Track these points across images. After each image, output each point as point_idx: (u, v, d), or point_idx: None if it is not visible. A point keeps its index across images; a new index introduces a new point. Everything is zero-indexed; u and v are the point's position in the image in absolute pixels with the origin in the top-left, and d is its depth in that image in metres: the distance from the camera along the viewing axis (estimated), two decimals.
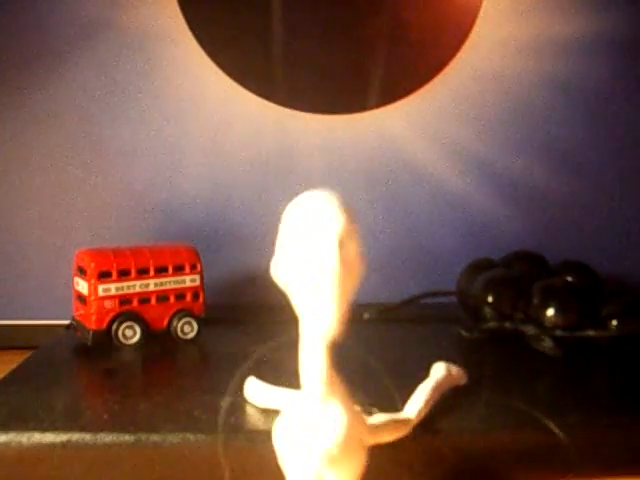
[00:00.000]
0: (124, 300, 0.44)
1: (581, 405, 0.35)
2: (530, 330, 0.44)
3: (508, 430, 0.32)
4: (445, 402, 0.35)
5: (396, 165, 0.57)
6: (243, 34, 0.55)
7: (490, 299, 0.45)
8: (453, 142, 0.57)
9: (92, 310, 0.44)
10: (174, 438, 0.31)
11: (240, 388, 0.36)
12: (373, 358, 0.39)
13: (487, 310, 0.46)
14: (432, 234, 0.57)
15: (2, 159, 0.55)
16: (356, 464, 0.25)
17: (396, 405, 0.32)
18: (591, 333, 0.43)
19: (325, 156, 0.56)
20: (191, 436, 0.31)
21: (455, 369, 0.37)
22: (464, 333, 0.46)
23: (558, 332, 0.43)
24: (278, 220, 0.60)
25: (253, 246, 0.57)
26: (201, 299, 0.47)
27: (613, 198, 0.58)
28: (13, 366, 0.41)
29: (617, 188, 0.58)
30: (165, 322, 0.46)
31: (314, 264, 0.23)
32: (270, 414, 0.33)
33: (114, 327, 0.44)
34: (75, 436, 0.31)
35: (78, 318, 0.46)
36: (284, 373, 0.30)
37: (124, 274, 0.44)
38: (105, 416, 0.33)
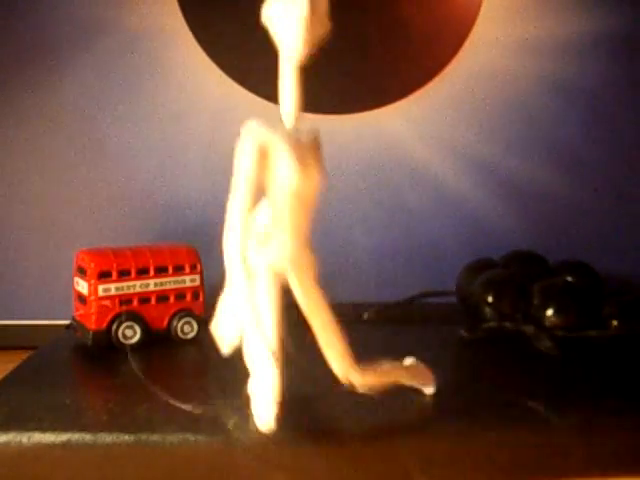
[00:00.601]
0: (124, 300, 0.44)
1: (581, 405, 0.35)
2: (530, 330, 0.44)
3: (508, 430, 0.32)
4: (445, 402, 0.35)
5: (396, 165, 0.57)
6: (243, 34, 0.55)
7: (490, 299, 0.45)
8: (453, 142, 0.57)
9: (92, 310, 0.43)
10: (174, 438, 0.31)
11: None
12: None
13: (487, 310, 0.46)
14: (432, 234, 0.57)
15: (2, 159, 0.55)
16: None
17: None
18: (591, 333, 0.43)
19: (325, 156, 0.56)
20: (191, 436, 0.31)
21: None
22: (464, 333, 0.46)
23: (558, 332, 0.43)
24: None
25: None
26: (201, 299, 0.47)
27: (613, 198, 0.58)
28: (13, 366, 0.41)
29: (617, 188, 0.58)
30: (165, 322, 0.46)
31: (290, 6, 0.30)
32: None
33: (114, 327, 0.44)
34: (75, 436, 0.31)
35: (78, 318, 0.46)
36: None
37: (124, 274, 0.44)
38: (105, 416, 0.33)
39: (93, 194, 0.56)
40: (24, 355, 0.43)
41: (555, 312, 0.43)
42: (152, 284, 0.45)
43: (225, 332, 0.33)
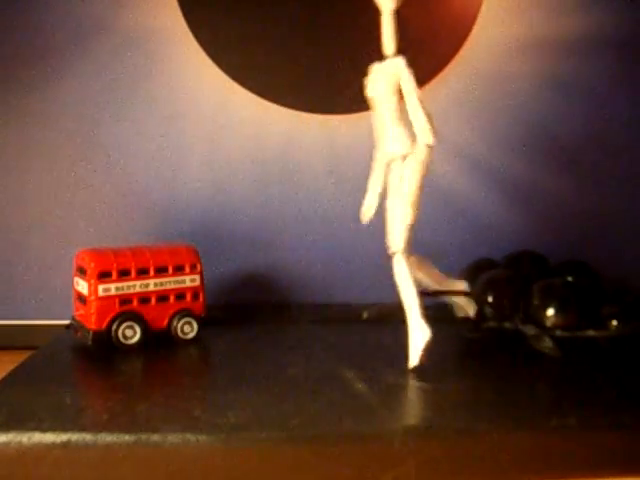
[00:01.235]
0: (124, 300, 0.44)
1: (581, 405, 0.35)
2: (530, 330, 0.44)
3: (508, 430, 0.32)
4: (445, 402, 0.35)
5: None
6: (243, 34, 0.55)
7: (490, 299, 0.45)
8: (453, 142, 0.57)
9: (92, 310, 0.44)
10: (174, 438, 0.31)
11: None
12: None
13: (487, 310, 0.46)
14: (432, 234, 0.57)
15: (2, 159, 0.55)
16: None
17: None
18: (591, 333, 0.43)
19: (325, 156, 0.56)
20: (191, 436, 0.31)
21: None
22: (464, 333, 0.47)
23: (558, 332, 0.43)
24: (278, 220, 0.60)
25: (253, 246, 0.57)
26: (201, 299, 0.47)
27: (613, 198, 0.58)
28: (13, 366, 0.41)
29: (617, 188, 0.58)
30: (165, 322, 0.46)
31: None
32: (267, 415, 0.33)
33: (114, 327, 0.44)
34: (75, 436, 0.31)
35: (78, 318, 0.46)
36: None
37: (124, 274, 0.44)
38: (105, 416, 0.33)
39: (93, 194, 0.56)
40: (24, 355, 0.43)
41: (555, 312, 0.43)
42: (152, 284, 0.45)
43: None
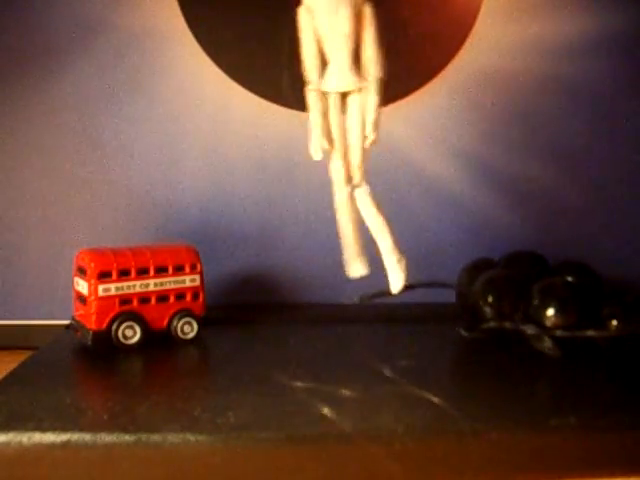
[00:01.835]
0: (124, 300, 0.44)
1: (581, 405, 0.35)
2: (530, 330, 0.44)
3: (508, 430, 0.32)
4: (444, 402, 0.35)
5: (395, 165, 0.57)
6: (243, 34, 0.55)
7: (490, 299, 0.45)
8: (453, 142, 0.57)
9: (92, 310, 0.44)
10: (174, 438, 0.31)
11: None
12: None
13: (487, 310, 0.46)
14: (431, 234, 0.57)
15: (2, 159, 0.55)
16: None
17: None
18: (591, 333, 0.43)
19: (325, 156, 0.56)
20: (191, 436, 0.31)
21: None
22: (464, 333, 0.47)
23: (558, 332, 0.43)
24: (278, 220, 0.60)
25: (253, 246, 0.57)
26: (201, 299, 0.47)
27: (613, 198, 0.58)
28: (13, 366, 0.41)
29: (617, 188, 0.58)
30: (165, 322, 0.46)
31: None
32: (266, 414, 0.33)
33: (114, 327, 0.44)
34: (75, 436, 0.31)
35: (78, 318, 0.46)
36: None
37: (124, 274, 0.44)
38: (105, 416, 0.33)
39: (93, 194, 0.56)
40: (24, 355, 0.43)
41: (555, 312, 0.43)
42: (152, 284, 0.45)
43: None
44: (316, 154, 0.41)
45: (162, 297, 0.46)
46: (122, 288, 0.44)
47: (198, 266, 0.47)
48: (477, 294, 0.46)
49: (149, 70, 0.55)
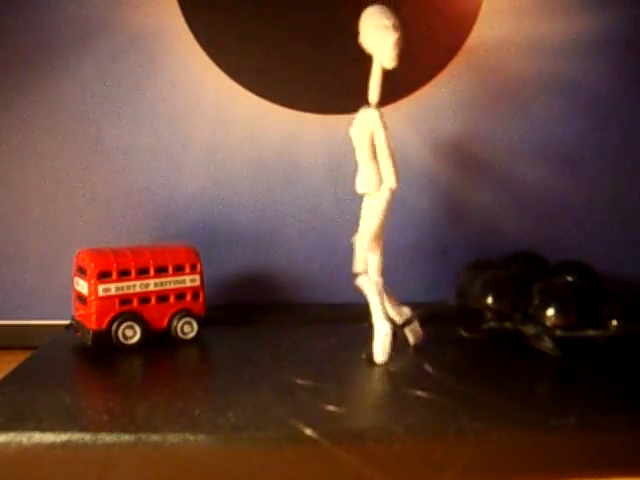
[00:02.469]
0: (124, 300, 0.44)
1: (581, 405, 0.35)
2: (530, 330, 0.44)
3: (508, 430, 0.32)
4: (444, 402, 0.35)
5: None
6: (243, 34, 0.55)
7: (490, 299, 0.45)
8: (453, 142, 0.57)
9: (92, 310, 0.44)
10: (174, 438, 0.31)
11: None
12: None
13: (487, 310, 0.46)
14: (431, 234, 0.57)
15: (2, 159, 0.55)
16: None
17: None
18: (591, 333, 0.43)
19: (325, 156, 0.56)
20: (191, 436, 0.31)
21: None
22: (464, 333, 0.47)
23: (558, 332, 0.43)
24: (278, 220, 0.60)
25: (253, 246, 0.57)
26: (201, 299, 0.47)
27: (613, 198, 0.58)
28: (13, 366, 0.41)
29: (617, 188, 0.58)
30: (165, 322, 0.46)
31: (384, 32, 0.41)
32: (267, 414, 0.33)
33: (114, 327, 0.44)
34: (75, 436, 0.31)
35: (78, 318, 0.46)
36: None
37: (124, 274, 0.44)
38: (105, 416, 0.33)
39: (93, 194, 0.56)
40: (24, 355, 0.43)
41: (555, 312, 0.43)
42: (152, 284, 0.45)
43: None
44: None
45: (162, 297, 0.46)
46: (122, 288, 0.44)
47: (198, 266, 0.47)
48: (477, 294, 0.46)
49: (149, 70, 0.55)
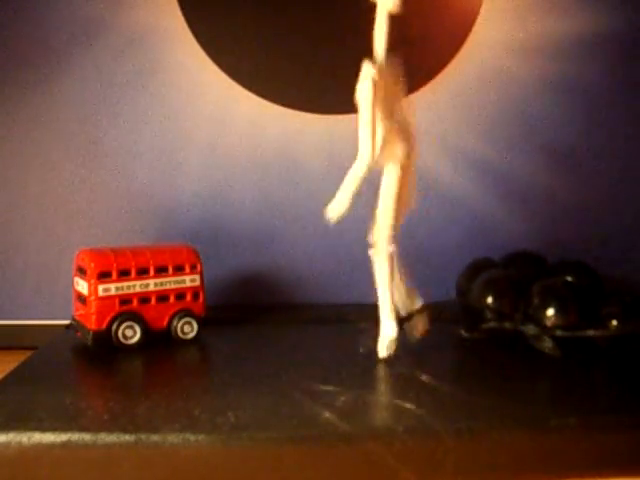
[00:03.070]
0: (124, 300, 0.44)
1: (581, 405, 0.35)
2: (530, 330, 0.44)
3: (508, 430, 0.32)
4: (444, 402, 0.35)
5: None
6: (243, 34, 0.55)
7: (490, 299, 0.45)
8: (453, 142, 0.57)
9: (92, 310, 0.44)
10: (174, 438, 0.31)
11: None
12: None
13: (487, 310, 0.46)
14: (432, 234, 0.57)
15: (2, 159, 0.55)
16: None
17: None
18: (591, 333, 0.43)
19: (325, 156, 0.56)
20: (191, 436, 0.31)
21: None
22: (464, 333, 0.47)
23: (558, 332, 0.43)
24: (278, 220, 0.60)
25: (253, 246, 0.57)
26: (201, 299, 0.47)
27: (613, 198, 0.58)
28: (13, 366, 0.41)
29: (617, 188, 0.58)
30: (165, 322, 0.46)
31: None
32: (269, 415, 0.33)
33: (114, 327, 0.44)
34: (75, 436, 0.31)
35: (78, 318, 0.46)
36: None
37: (124, 274, 0.44)
38: (105, 416, 0.33)
39: (93, 194, 0.56)
40: (24, 355, 0.43)
41: (555, 312, 0.43)
42: (152, 284, 0.45)
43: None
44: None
45: (162, 297, 0.46)
46: (122, 288, 0.44)
47: (198, 266, 0.47)
48: (477, 294, 0.46)
49: (149, 70, 0.55)
